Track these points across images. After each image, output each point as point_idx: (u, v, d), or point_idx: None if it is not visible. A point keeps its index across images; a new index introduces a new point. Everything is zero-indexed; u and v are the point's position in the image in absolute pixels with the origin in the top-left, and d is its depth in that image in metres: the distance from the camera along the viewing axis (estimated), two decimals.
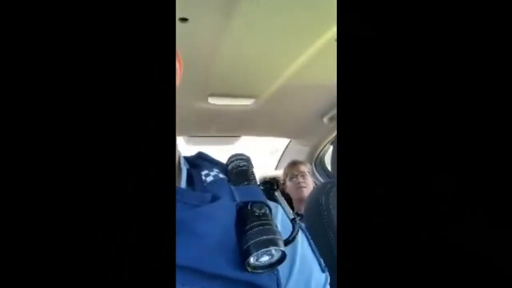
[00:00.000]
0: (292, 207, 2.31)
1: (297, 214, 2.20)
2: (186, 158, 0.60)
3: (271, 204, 0.52)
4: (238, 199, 0.48)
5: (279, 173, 2.60)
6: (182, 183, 0.53)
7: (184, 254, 0.40)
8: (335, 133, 2.37)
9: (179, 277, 0.39)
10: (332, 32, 1.17)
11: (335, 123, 2.18)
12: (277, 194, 0.55)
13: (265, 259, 0.43)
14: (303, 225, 0.57)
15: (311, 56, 1.35)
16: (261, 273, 0.43)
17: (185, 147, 2.50)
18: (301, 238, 0.53)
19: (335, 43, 1.23)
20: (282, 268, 0.46)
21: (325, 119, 2.23)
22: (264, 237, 0.43)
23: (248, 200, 0.48)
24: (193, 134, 2.49)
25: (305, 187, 2.28)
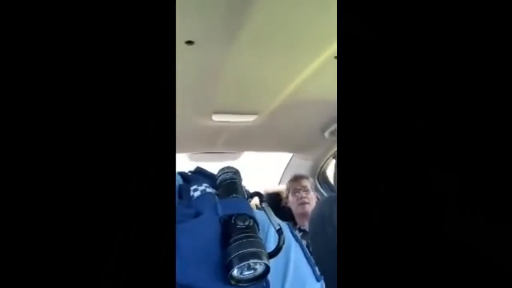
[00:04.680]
0: (294, 222, 2.31)
1: (300, 230, 2.20)
2: (181, 174, 0.60)
3: (262, 217, 0.52)
4: (221, 212, 0.48)
5: (282, 187, 2.60)
6: None
7: None
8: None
9: None
10: (331, 49, 1.20)
11: (335, 137, 2.19)
12: (264, 205, 0.55)
13: (248, 272, 0.43)
14: (297, 234, 0.56)
15: (311, 73, 1.37)
16: (246, 286, 0.43)
17: (188, 164, 2.52)
18: (294, 247, 0.52)
19: (335, 60, 1.26)
20: (274, 279, 0.46)
21: (326, 134, 2.24)
22: (247, 250, 0.43)
23: (232, 213, 0.48)
24: (197, 151, 2.51)
25: (307, 203, 2.27)
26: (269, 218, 0.52)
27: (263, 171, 3.25)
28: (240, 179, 0.59)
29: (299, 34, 1.12)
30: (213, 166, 0.63)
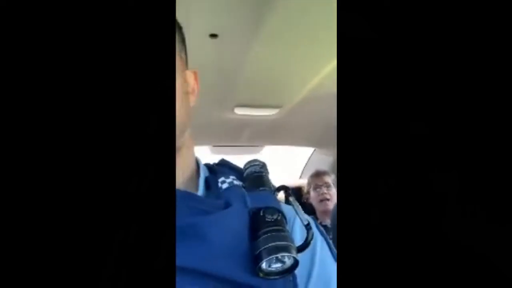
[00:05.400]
0: (315, 218, 2.31)
1: (321, 225, 2.20)
2: (207, 165, 0.61)
3: (288, 210, 0.52)
4: (250, 205, 0.49)
5: (303, 181, 2.60)
6: (200, 189, 0.53)
7: (194, 257, 0.41)
8: None
9: (189, 278, 0.40)
10: None
11: None
12: (292, 199, 0.55)
13: (277, 265, 0.43)
14: (322, 229, 0.56)
15: (334, 66, 1.37)
16: (275, 279, 0.43)
17: (210, 156, 2.54)
18: (320, 242, 0.53)
19: None
20: (300, 273, 0.46)
21: None
22: (276, 243, 0.43)
23: (260, 206, 0.48)
24: (219, 143, 2.53)
25: (329, 199, 2.26)
26: (296, 212, 0.52)
27: (284, 165, 3.25)
28: (267, 173, 0.60)
29: (321, 29, 1.12)
30: (234, 159, 0.64)
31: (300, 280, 0.47)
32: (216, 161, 0.64)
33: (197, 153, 0.60)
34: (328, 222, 2.17)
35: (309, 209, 2.34)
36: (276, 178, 2.81)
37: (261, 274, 0.43)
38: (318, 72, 1.43)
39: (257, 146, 2.66)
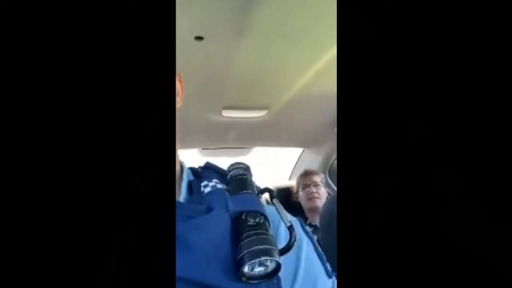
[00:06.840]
0: (305, 217, 2.31)
1: (310, 225, 2.20)
2: (192, 169, 0.60)
3: (273, 213, 0.52)
4: (232, 208, 0.48)
5: (293, 183, 2.60)
6: (182, 193, 0.53)
7: (177, 265, 0.40)
8: None
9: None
10: None
11: None
12: (275, 201, 0.55)
13: (260, 269, 0.43)
14: (308, 229, 0.56)
15: (322, 66, 1.37)
16: (257, 283, 0.43)
17: (198, 159, 2.53)
18: (306, 244, 0.53)
19: None
20: (285, 275, 0.46)
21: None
22: (258, 247, 0.43)
23: (242, 209, 0.48)
24: (207, 146, 2.52)
25: (318, 198, 2.26)
26: (280, 215, 0.52)
27: (273, 166, 3.25)
28: (251, 175, 0.59)
29: (309, 28, 1.12)
30: (223, 161, 0.63)
31: (285, 283, 0.46)
32: (202, 164, 0.63)
33: (186, 157, 0.60)
34: (317, 221, 2.17)
35: (298, 209, 2.35)
36: (266, 179, 2.81)
37: (243, 279, 0.43)
38: (306, 72, 1.43)
39: (246, 148, 2.66)
